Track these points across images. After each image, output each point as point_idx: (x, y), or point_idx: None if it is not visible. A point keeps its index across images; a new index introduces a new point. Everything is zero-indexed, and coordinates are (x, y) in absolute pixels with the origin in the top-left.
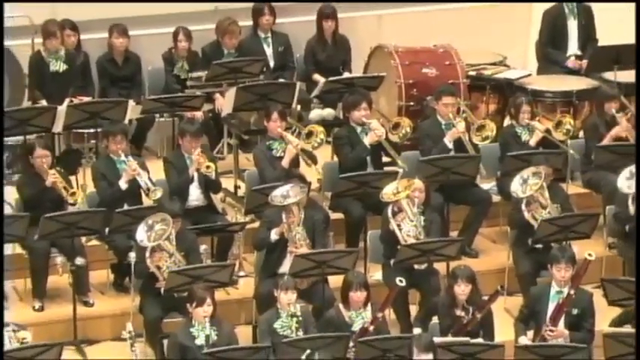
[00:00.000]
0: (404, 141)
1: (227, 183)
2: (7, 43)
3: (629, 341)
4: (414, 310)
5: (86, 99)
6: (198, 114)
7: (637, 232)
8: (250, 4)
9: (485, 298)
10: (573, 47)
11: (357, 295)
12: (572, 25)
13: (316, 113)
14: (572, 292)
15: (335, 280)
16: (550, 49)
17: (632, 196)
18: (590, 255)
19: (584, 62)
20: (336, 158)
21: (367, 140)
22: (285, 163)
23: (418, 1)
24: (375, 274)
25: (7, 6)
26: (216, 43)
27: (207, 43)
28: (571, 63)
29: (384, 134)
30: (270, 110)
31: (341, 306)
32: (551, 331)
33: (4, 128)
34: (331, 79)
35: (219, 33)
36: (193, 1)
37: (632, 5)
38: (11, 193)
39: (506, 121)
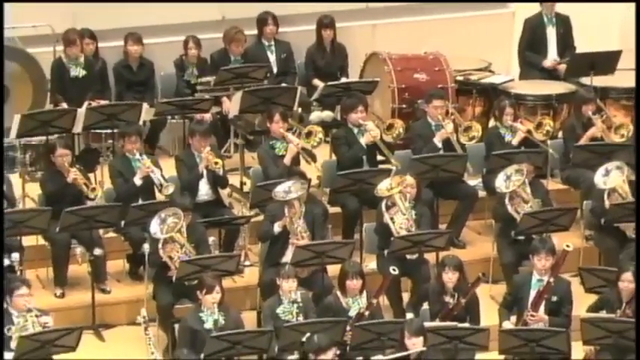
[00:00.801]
0: (397, 141)
1: (234, 179)
2: (30, 50)
3: (604, 325)
4: (406, 296)
5: (103, 102)
6: (207, 116)
7: (637, 229)
8: (255, 15)
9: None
10: (552, 54)
11: (354, 283)
12: (551, 33)
13: (316, 115)
14: (551, 280)
15: (333, 269)
16: (529, 53)
17: (608, 192)
18: (568, 246)
19: (562, 66)
20: (334, 157)
21: (363, 140)
22: (286, 160)
23: (410, 2)
24: (370, 263)
25: (31, 15)
26: (223, 50)
27: (215, 51)
28: (547, 63)
29: (378, 135)
30: (272, 112)
31: (338, 293)
32: (532, 316)
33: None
34: (330, 83)
35: (226, 41)
36: (203, 1)
37: (610, 14)
38: (35, 189)
39: (491, 123)
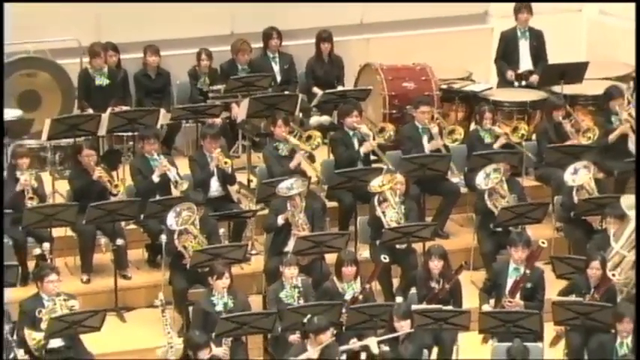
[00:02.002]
0: (388, 143)
1: (241, 177)
2: (59, 61)
3: (574, 308)
4: (396, 282)
5: (125, 108)
6: (218, 120)
7: (637, 228)
8: (261, 29)
9: None
10: (526, 64)
11: (349, 270)
12: (524, 45)
13: (315, 119)
14: (527, 271)
15: (330, 258)
16: (502, 62)
17: (576, 188)
18: (543, 243)
19: (526, 74)
20: (332, 157)
21: (362, 150)
22: (292, 165)
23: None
24: (364, 252)
25: (60, 30)
26: (231, 61)
27: (224, 62)
28: (509, 75)
29: (376, 144)
30: (276, 117)
31: (335, 279)
32: (509, 302)
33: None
34: (327, 91)
35: (233, 52)
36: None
37: (578, 28)
38: (63, 186)
39: (472, 126)
